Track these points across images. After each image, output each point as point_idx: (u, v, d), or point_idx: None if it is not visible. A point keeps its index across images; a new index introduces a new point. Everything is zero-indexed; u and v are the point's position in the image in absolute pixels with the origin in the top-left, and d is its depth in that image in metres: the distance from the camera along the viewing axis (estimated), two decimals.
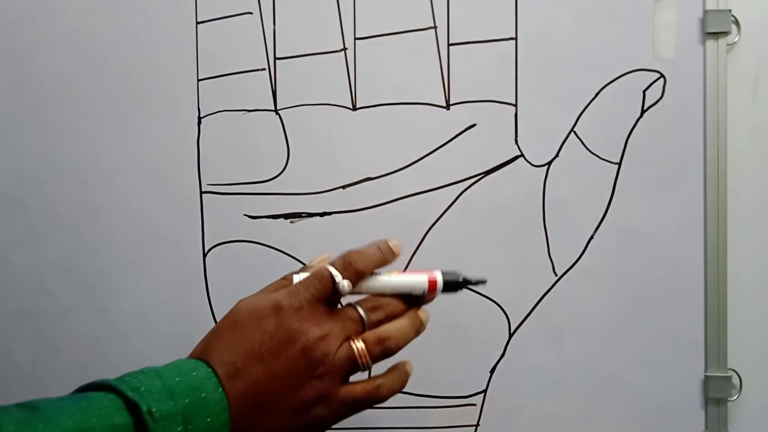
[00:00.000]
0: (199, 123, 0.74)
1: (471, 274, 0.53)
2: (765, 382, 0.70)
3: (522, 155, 0.70)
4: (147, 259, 0.75)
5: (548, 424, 0.70)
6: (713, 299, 0.67)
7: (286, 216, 0.73)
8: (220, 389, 0.42)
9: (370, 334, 0.47)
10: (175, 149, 0.74)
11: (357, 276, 0.48)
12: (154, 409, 0.39)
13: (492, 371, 0.71)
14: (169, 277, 0.75)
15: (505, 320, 0.70)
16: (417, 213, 0.71)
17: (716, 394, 0.67)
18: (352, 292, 0.48)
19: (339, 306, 0.49)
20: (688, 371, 0.68)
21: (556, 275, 0.70)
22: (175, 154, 0.74)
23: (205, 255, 0.75)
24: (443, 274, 0.52)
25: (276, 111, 0.73)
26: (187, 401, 0.40)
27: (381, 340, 0.47)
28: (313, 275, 0.48)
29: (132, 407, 0.40)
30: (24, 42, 0.77)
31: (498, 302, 0.70)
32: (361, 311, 0.48)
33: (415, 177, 0.71)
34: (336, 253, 0.72)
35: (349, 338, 0.46)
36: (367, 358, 0.46)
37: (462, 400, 0.71)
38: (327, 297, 0.47)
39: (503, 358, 0.70)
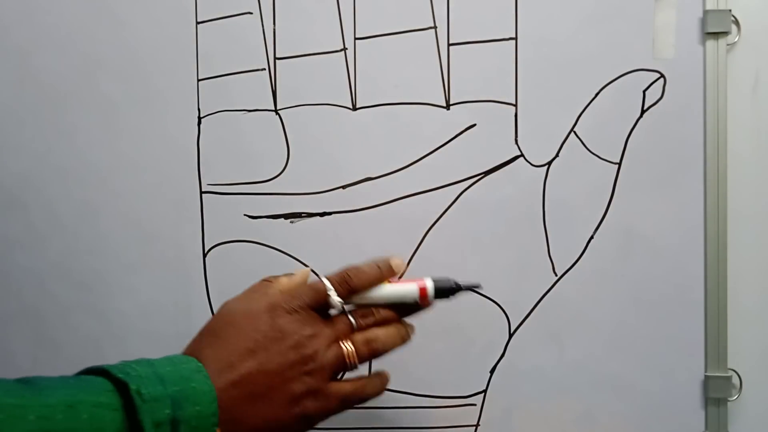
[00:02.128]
0: (199, 123, 0.74)
1: (464, 278, 0.54)
2: (765, 382, 0.70)
3: (522, 155, 0.70)
4: (147, 259, 0.75)
5: (548, 424, 0.70)
6: (713, 299, 0.67)
7: (286, 216, 0.73)
8: (210, 381, 0.43)
9: (358, 336, 0.50)
10: (175, 149, 0.74)
11: (350, 293, 0.52)
12: (143, 391, 0.40)
13: (492, 371, 0.71)
14: (169, 277, 0.75)
15: (505, 320, 0.70)
16: (417, 213, 0.71)
17: (716, 394, 0.67)
18: (344, 303, 0.51)
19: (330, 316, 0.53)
20: (688, 371, 0.68)
21: (556, 275, 0.70)
22: (175, 154, 0.74)
23: (205, 255, 0.75)
24: (435, 281, 0.54)
25: (276, 111, 0.73)
26: (176, 388, 0.42)
27: (368, 341, 0.50)
28: (309, 285, 0.51)
29: (122, 388, 0.41)
30: (24, 42, 0.77)
31: (498, 302, 0.70)
32: (351, 318, 0.51)
33: (415, 177, 0.71)
34: (336, 253, 0.72)
35: (338, 339, 0.49)
36: (355, 357, 0.49)
37: (462, 400, 0.71)
38: (319, 307, 0.50)
39: (503, 358, 0.70)
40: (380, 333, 0.51)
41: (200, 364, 0.44)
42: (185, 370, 0.43)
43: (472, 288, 0.55)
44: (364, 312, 0.52)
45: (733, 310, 0.68)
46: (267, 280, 0.55)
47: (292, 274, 0.56)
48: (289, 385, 0.46)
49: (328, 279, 0.52)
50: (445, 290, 0.53)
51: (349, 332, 0.50)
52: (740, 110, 0.69)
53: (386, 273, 0.53)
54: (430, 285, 0.53)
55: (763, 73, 0.69)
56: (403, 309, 0.54)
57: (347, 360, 0.49)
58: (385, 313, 0.52)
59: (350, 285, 0.51)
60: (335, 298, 0.50)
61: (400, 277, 0.55)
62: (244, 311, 0.48)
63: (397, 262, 0.54)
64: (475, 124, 0.70)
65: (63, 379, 0.43)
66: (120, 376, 0.41)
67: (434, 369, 0.71)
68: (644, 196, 0.68)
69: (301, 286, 0.52)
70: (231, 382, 0.44)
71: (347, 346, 0.49)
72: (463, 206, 0.70)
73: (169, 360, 0.44)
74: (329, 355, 0.48)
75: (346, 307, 0.52)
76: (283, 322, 0.48)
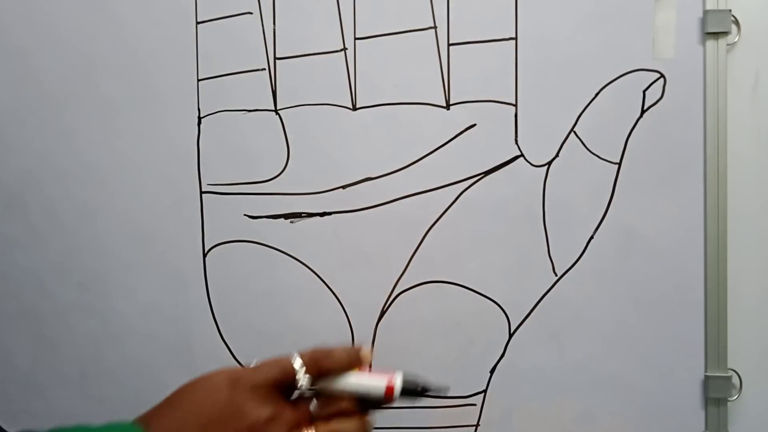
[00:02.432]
0: (199, 123, 0.74)
1: (433, 381, 0.51)
2: (765, 382, 0.70)
3: (522, 155, 0.70)
4: (146, 260, 0.75)
5: (548, 424, 0.70)
6: (713, 299, 0.67)
7: (286, 216, 0.73)
8: None
9: (323, 427, 0.46)
10: (175, 149, 0.74)
11: (318, 376, 0.48)
12: None
13: (492, 371, 0.71)
14: (168, 278, 0.75)
15: (505, 320, 0.70)
16: (417, 213, 0.71)
17: (716, 394, 0.67)
18: (309, 388, 0.47)
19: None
20: (688, 371, 0.68)
21: (556, 275, 0.70)
22: (175, 154, 0.74)
23: (205, 255, 0.74)
24: (405, 380, 0.50)
25: (276, 111, 0.73)
26: None
27: None
28: (275, 362, 0.47)
29: None
30: (24, 42, 0.77)
31: (498, 302, 0.70)
32: (312, 406, 0.47)
33: (415, 177, 0.71)
34: (336, 253, 0.72)
35: (300, 426, 0.45)
36: None
37: (462, 400, 0.71)
38: (284, 386, 0.46)
39: (503, 358, 0.70)
40: (344, 426, 0.47)
41: None
42: None
43: (439, 391, 0.52)
44: (327, 400, 0.47)
45: (733, 310, 0.68)
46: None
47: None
48: None
49: (300, 356, 0.48)
50: (412, 392, 0.51)
51: (307, 418, 0.46)
52: (740, 110, 0.69)
53: (354, 361, 0.49)
54: (398, 385, 0.50)
55: (763, 73, 0.69)
56: (367, 402, 0.50)
57: None
58: (345, 405, 0.48)
59: (320, 367, 0.47)
60: (303, 377, 0.46)
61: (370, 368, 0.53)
62: (204, 380, 0.45)
63: (365, 353, 0.50)
64: (475, 124, 0.70)
65: None
66: None
67: (434, 369, 0.71)
68: (644, 196, 0.68)
69: (268, 362, 0.47)
70: None
71: None
72: (463, 206, 0.70)
73: (109, 429, 0.42)
74: None
75: (308, 393, 0.49)
76: (241, 398, 0.44)
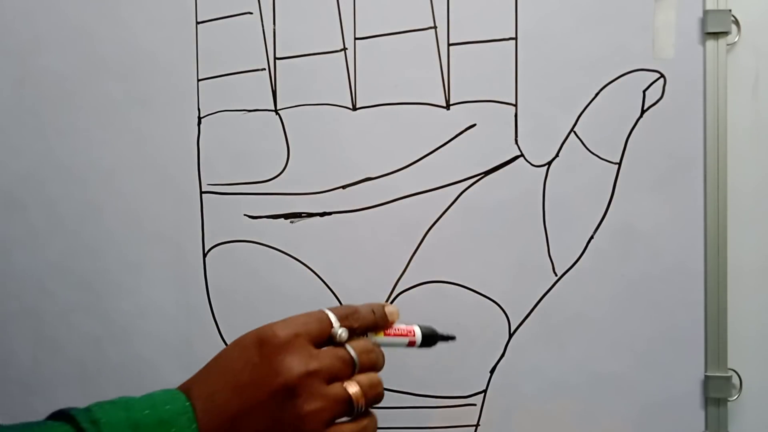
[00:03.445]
0: (199, 123, 0.74)
1: (443, 331, 0.53)
2: (765, 382, 0.70)
3: (522, 155, 0.70)
4: (147, 259, 0.75)
5: (548, 424, 0.70)
6: (713, 299, 0.67)
7: (286, 216, 0.73)
8: (194, 425, 0.40)
9: (364, 378, 0.44)
10: (175, 149, 0.74)
11: (350, 331, 0.46)
12: None
13: (492, 371, 0.71)
14: (169, 277, 0.75)
15: (505, 320, 0.70)
16: (417, 213, 0.71)
17: (716, 394, 0.67)
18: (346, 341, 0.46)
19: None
20: (688, 371, 0.68)
21: (556, 275, 0.70)
22: (175, 154, 0.74)
23: (205, 255, 0.75)
24: (423, 333, 0.51)
25: (276, 111, 0.73)
26: None
27: (374, 385, 0.45)
28: (308, 315, 0.45)
29: None
30: (24, 42, 0.77)
31: (498, 302, 0.70)
32: (353, 352, 0.44)
33: (415, 177, 0.71)
34: (336, 253, 0.72)
35: (339, 379, 0.43)
36: (363, 402, 0.43)
37: (462, 400, 0.71)
38: (319, 339, 0.44)
39: (503, 358, 0.70)
40: (378, 379, 0.45)
41: (188, 404, 0.40)
42: (167, 413, 0.40)
43: (449, 338, 0.54)
44: (365, 347, 0.45)
45: (733, 310, 0.68)
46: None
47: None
48: (279, 430, 0.41)
49: (331, 311, 0.46)
50: (429, 339, 0.52)
51: (350, 371, 0.44)
52: (740, 110, 0.69)
53: (380, 321, 0.48)
54: (419, 338, 0.52)
55: (763, 73, 0.69)
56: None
57: (356, 404, 0.43)
58: (382, 357, 0.46)
59: (351, 323, 0.45)
60: (340, 330, 0.44)
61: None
62: (237, 340, 0.43)
63: (392, 310, 0.49)
64: (475, 124, 0.70)
65: (25, 427, 0.39)
66: (85, 425, 0.38)
67: (434, 369, 0.71)
68: (644, 195, 0.68)
69: (299, 316, 0.45)
70: (214, 427, 0.40)
71: (354, 389, 0.43)
72: (463, 206, 0.70)
73: (151, 400, 0.40)
74: (331, 397, 0.42)
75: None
76: (275, 354, 0.42)
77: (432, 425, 0.71)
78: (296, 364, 0.41)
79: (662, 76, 0.68)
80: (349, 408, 0.43)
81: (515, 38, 0.69)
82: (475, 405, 0.71)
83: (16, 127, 0.77)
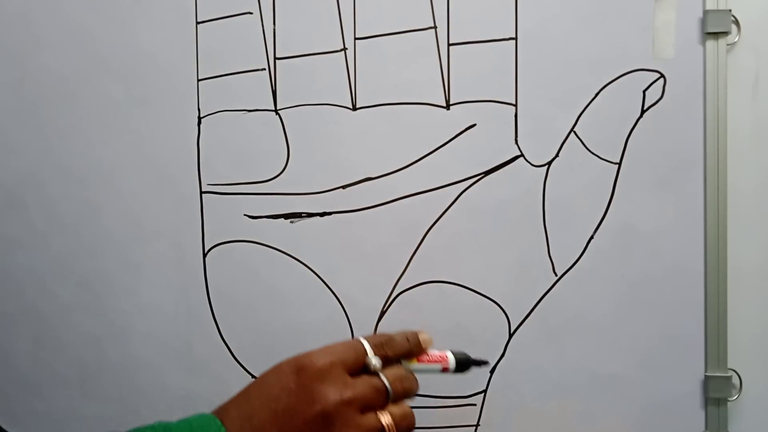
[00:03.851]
0: (199, 123, 0.74)
1: (476, 356, 0.53)
2: (765, 382, 0.70)
3: (522, 155, 0.70)
4: (147, 259, 0.75)
5: (548, 424, 0.70)
6: (713, 299, 0.67)
7: (286, 216, 0.73)
8: None
9: (396, 409, 0.45)
10: (175, 149, 0.74)
11: (385, 360, 0.46)
12: None
13: (492, 371, 0.71)
14: (169, 277, 0.75)
15: (505, 320, 0.70)
16: (417, 213, 0.71)
17: (716, 394, 0.67)
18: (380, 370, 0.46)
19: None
20: (688, 371, 0.68)
21: (556, 275, 0.70)
22: (175, 154, 0.74)
23: (205, 255, 0.75)
24: (456, 359, 0.52)
25: (276, 111, 0.73)
26: None
27: (406, 416, 0.46)
28: (344, 344, 0.45)
29: None
30: (24, 42, 0.77)
31: (498, 302, 0.70)
32: (387, 382, 0.45)
33: (415, 177, 0.71)
34: (336, 253, 0.72)
35: (372, 408, 0.44)
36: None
37: (462, 400, 0.71)
38: (356, 368, 0.45)
39: (503, 358, 0.70)
40: (410, 409, 0.47)
41: (223, 430, 0.41)
42: None
43: (482, 363, 0.54)
44: (398, 375, 0.46)
45: (733, 310, 0.68)
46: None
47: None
48: None
49: (366, 340, 0.46)
50: (462, 365, 0.52)
51: (384, 400, 0.45)
52: (740, 110, 0.69)
53: (414, 349, 0.49)
54: (452, 365, 0.52)
55: (763, 73, 0.69)
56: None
57: None
58: (415, 384, 0.47)
59: (386, 352, 0.46)
60: (374, 359, 0.45)
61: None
62: (275, 367, 0.44)
63: (426, 337, 0.50)
64: (475, 124, 0.70)
65: None
66: None
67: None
68: (644, 195, 0.68)
69: (335, 345, 0.46)
70: None
71: (387, 420, 0.44)
72: (463, 206, 0.70)
73: (188, 426, 0.41)
74: (364, 425, 0.43)
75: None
76: (310, 384, 0.42)
77: (432, 425, 0.71)
78: (332, 392, 0.42)
79: (662, 76, 0.68)
80: None
81: (515, 38, 0.69)
82: (475, 405, 0.71)
83: (16, 127, 0.77)
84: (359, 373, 0.45)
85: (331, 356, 0.44)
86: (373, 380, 0.45)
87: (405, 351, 0.48)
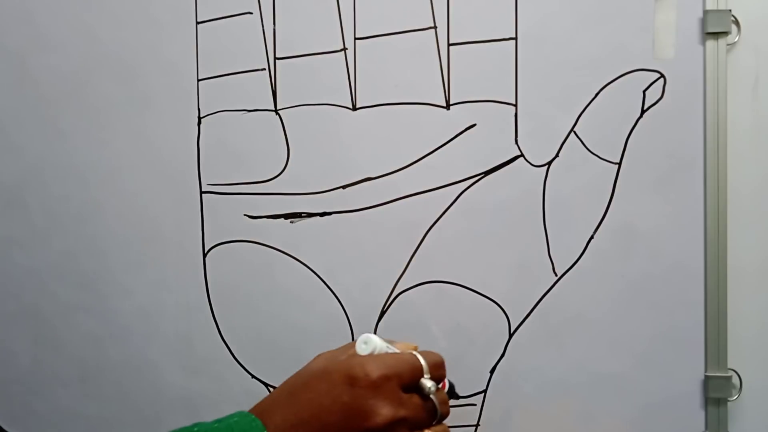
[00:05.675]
0: (199, 123, 0.74)
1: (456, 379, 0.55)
2: (765, 382, 0.70)
3: (522, 155, 0.70)
4: (147, 259, 0.75)
5: (548, 424, 0.70)
6: (713, 299, 0.67)
7: (286, 216, 0.73)
8: None
9: (441, 429, 0.45)
10: (175, 149, 0.74)
11: (439, 381, 0.46)
12: None
13: (492, 371, 0.71)
14: (169, 277, 0.75)
15: (505, 320, 0.70)
16: (417, 213, 0.71)
17: (716, 394, 0.67)
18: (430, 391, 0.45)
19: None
20: (688, 371, 0.68)
21: (556, 275, 0.70)
22: (175, 154, 0.74)
23: (205, 255, 0.75)
24: (450, 386, 0.53)
25: (276, 111, 0.73)
26: None
27: None
28: (403, 359, 0.44)
29: None
30: (24, 42, 0.77)
31: (498, 302, 0.70)
32: (437, 404, 0.44)
33: (415, 177, 0.71)
34: (336, 253, 0.72)
35: (419, 428, 0.43)
36: None
37: (462, 400, 0.71)
38: (410, 385, 0.43)
39: (503, 358, 0.70)
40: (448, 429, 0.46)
41: None
42: None
43: (457, 396, 0.55)
44: (443, 399, 0.45)
45: (733, 310, 0.68)
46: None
47: (391, 341, 0.48)
48: None
49: (423, 358, 0.45)
50: (451, 395, 0.53)
51: (430, 421, 0.44)
52: (740, 110, 0.69)
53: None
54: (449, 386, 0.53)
55: (763, 73, 0.69)
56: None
57: None
58: (447, 409, 0.46)
59: (441, 373, 0.45)
60: (429, 382, 0.43)
61: None
62: (323, 372, 0.42)
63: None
64: (475, 124, 0.70)
65: None
66: None
67: None
68: (644, 195, 0.68)
69: (390, 357, 0.44)
70: None
71: None
72: (463, 206, 0.70)
73: (229, 428, 0.40)
74: None
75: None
76: (364, 396, 0.41)
77: None
78: (386, 410, 0.41)
79: (662, 76, 0.68)
80: None
81: (515, 38, 0.69)
82: (475, 405, 0.71)
83: (16, 127, 0.77)
84: (410, 389, 0.43)
85: (385, 369, 0.42)
86: (427, 403, 0.43)
87: (443, 377, 0.47)
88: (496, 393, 0.71)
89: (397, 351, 0.46)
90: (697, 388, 0.68)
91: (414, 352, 0.45)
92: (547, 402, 0.70)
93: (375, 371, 0.41)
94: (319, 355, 0.46)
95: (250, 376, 0.74)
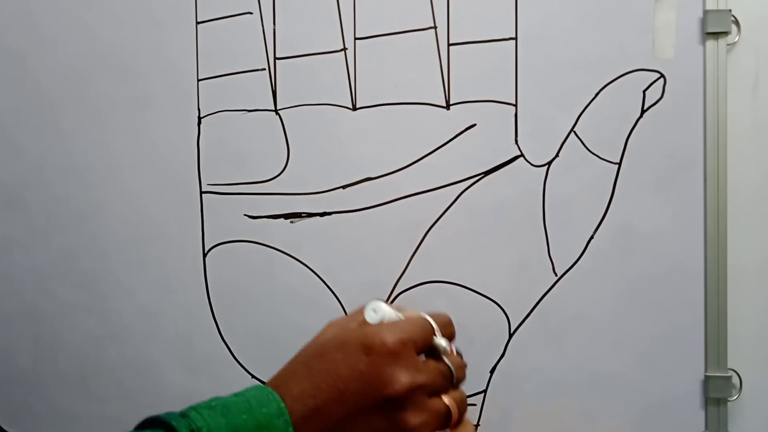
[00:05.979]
0: (199, 123, 0.74)
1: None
2: (765, 382, 0.70)
3: (522, 155, 0.70)
4: (147, 259, 0.75)
5: (548, 424, 0.70)
6: (713, 299, 0.67)
7: (286, 216, 0.73)
8: (290, 429, 0.39)
9: (458, 394, 0.44)
10: (175, 149, 0.74)
11: (451, 339, 0.46)
12: None
13: (492, 371, 0.71)
14: (169, 277, 0.75)
15: (505, 320, 0.70)
16: (417, 213, 0.71)
17: (716, 394, 0.67)
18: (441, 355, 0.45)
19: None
20: (688, 371, 0.68)
21: (556, 275, 0.70)
22: (175, 154, 0.74)
23: (205, 255, 0.75)
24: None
25: (276, 111, 0.73)
26: None
27: (464, 400, 0.44)
28: (414, 322, 0.44)
29: None
30: (24, 42, 0.77)
31: (498, 302, 0.70)
32: (452, 367, 0.44)
33: (415, 177, 0.71)
34: (336, 253, 0.72)
35: (437, 393, 0.43)
36: (458, 416, 0.43)
37: None
38: (423, 348, 0.43)
39: (503, 358, 0.70)
40: (465, 393, 0.45)
41: (282, 406, 0.39)
42: (263, 416, 0.38)
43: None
44: (458, 363, 0.45)
45: (733, 310, 0.68)
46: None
47: (399, 308, 0.48)
48: None
49: (432, 318, 0.45)
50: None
51: (448, 385, 0.43)
52: (740, 110, 0.69)
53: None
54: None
55: (763, 73, 0.69)
56: None
57: (453, 417, 0.42)
58: (465, 370, 0.46)
59: (451, 331, 0.45)
60: (441, 340, 0.43)
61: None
62: (339, 342, 0.42)
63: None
64: (475, 124, 0.70)
65: None
66: None
67: None
68: (644, 195, 0.68)
69: (407, 323, 0.44)
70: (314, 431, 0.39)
71: (452, 405, 0.42)
72: (463, 206, 0.70)
73: (246, 402, 0.39)
74: (433, 411, 0.42)
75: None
76: (382, 364, 0.40)
77: None
78: (404, 376, 0.40)
79: (662, 76, 0.68)
80: (446, 422, 0.43)
81: (515, 38, 0.69)
82: (474, 405, 0.71)
83: (16, 127, 0.77)
84: (424, 352, 0.43)
85: (401, 334, 0.41)
86: (441, 365, 0.43)
87: (454, 335, 0.47)
88: (496, 393, 0.71)
89: (404, 318, 0.45)
90: (697, 388, 0.68)
91: (422, 314, 0.45)
92: (547, 402, 0.70)
93: (390, 338, 0.41)
94: (328, 325, 0.45)
95: (250, 376, 0.74)
